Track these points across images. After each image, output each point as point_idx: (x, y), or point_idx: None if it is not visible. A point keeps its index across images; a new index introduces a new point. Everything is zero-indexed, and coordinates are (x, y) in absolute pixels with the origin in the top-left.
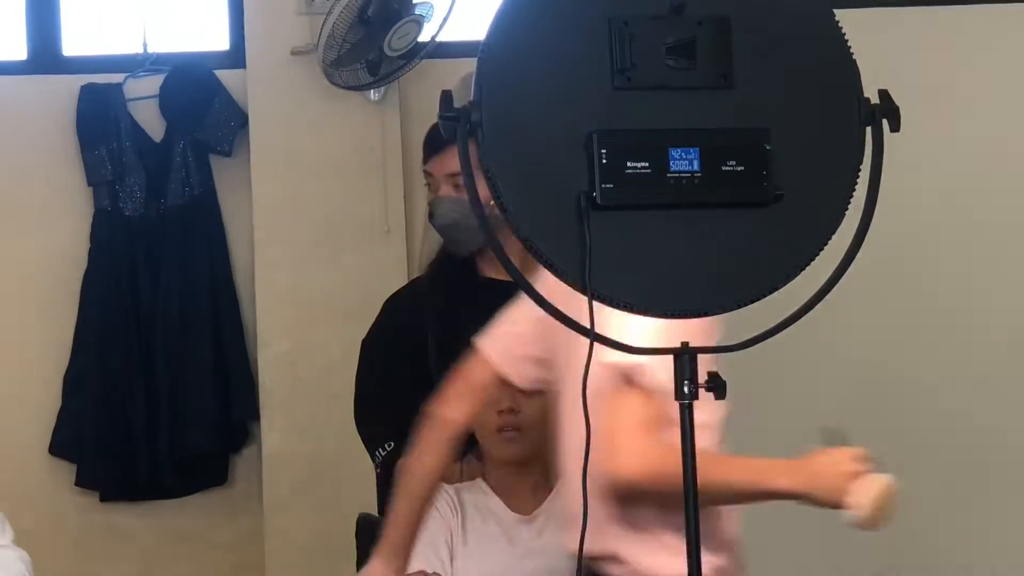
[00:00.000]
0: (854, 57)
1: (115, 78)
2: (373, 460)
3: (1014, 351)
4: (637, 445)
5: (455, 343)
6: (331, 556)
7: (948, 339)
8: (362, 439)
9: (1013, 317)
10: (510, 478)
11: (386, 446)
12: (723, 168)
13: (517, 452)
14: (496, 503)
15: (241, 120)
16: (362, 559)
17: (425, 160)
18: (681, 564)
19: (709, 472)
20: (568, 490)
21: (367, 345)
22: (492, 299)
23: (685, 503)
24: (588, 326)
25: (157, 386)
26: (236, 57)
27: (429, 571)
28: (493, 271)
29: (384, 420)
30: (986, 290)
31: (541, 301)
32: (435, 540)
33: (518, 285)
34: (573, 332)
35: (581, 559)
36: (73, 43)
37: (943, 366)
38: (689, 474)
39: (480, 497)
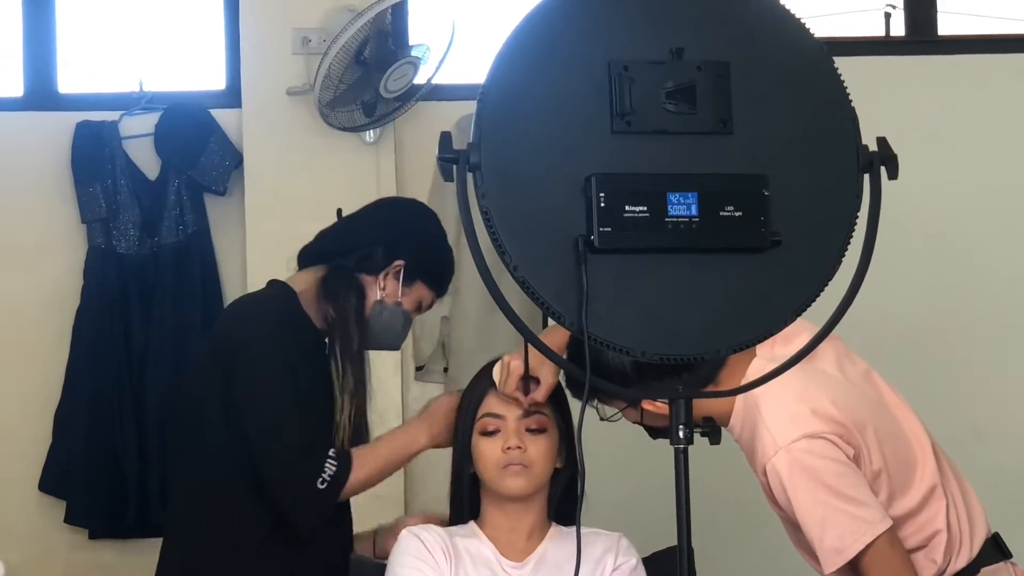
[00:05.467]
0: (852, 104)
1: (111, 116)
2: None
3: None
4: None
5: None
6: None
7: (947, 385)
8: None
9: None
10: (508, 522)
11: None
12: (721, 213)
13: (522, 487)
14: (489, 549)
15: (236, 160)
16: None
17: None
18: None
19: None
20: None
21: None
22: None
23: (679, 548)
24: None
25: (148, 424)
26: (232, 96)
27: None
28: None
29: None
30: (985, 336)
31: (544, 349)
32: None
33: (521, 334)
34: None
35: None
36: (69, 80)
37: (937, 412)
38: (683, 518)
39: (473, 543)
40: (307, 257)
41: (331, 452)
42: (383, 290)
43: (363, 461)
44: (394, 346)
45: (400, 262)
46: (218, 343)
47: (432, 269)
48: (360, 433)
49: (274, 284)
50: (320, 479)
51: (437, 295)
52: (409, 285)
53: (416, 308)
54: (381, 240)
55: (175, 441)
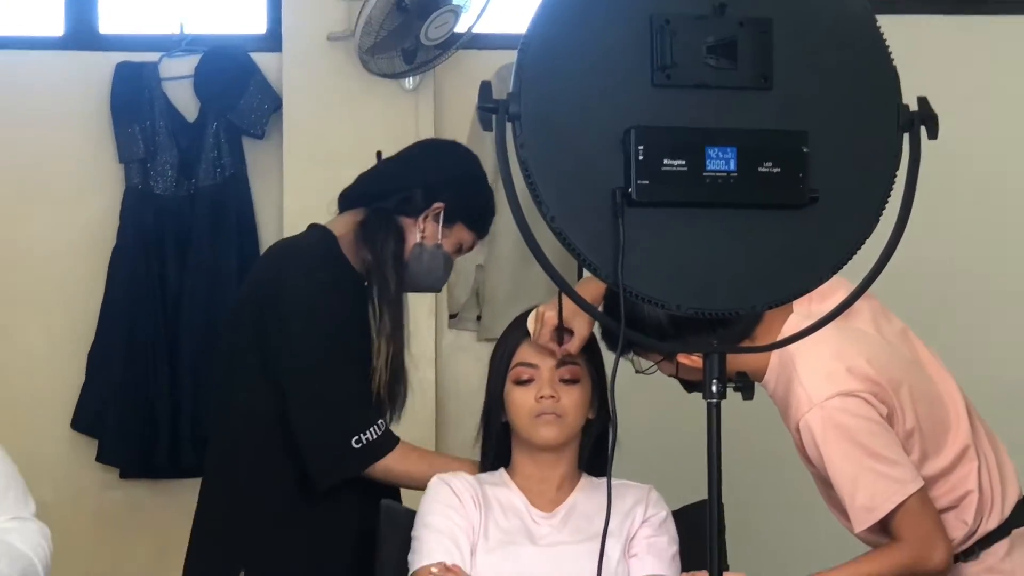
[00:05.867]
0: (894, 63)
1: (151, 57)
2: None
3: None
4: (945, 542)
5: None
6: None
7: (981, 346)
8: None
9: None
10: (538, 471)
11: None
12: (759, 169)
13: (555, 436)
14: (519, 498)
15: (275, 104)
16: (384, 546)
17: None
18: None
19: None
20: None
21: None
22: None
23: (709, 503)
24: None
25: (181, 365)
26: (272, 41)
27: (449, 563)
28: None
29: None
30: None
31: (579, 300)
32: (456, 534)
33: (557, 284)
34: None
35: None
36: (110, 21)
37: (971, 372)
38: (714, 473)
39: (503, 492)
40: (347, 200)
41: (381, 422)
42: (423, 232)
43: (407, 455)
44: (435, 288)
45: (440, 204)
46: (257, 288)
47: (473, 211)
48: (397, 377)
49: (314, 228)
50: (356, 438)
51: (478, 237)
52: (449, 227)
53: (456, 250)
54: (421, 182)
55: (213, 385)
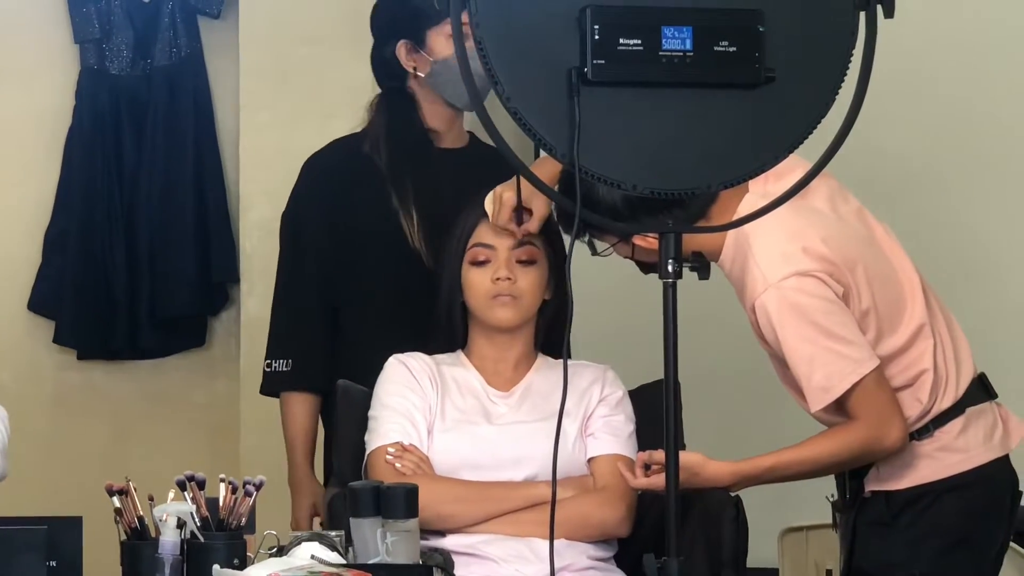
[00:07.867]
0: None
1: None
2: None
3: None
4: (900, 420)
5: (435, 215)
6: None
7: (937, 225)
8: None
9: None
10: (495, 352)
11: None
12: (715, 48)
13: (511, 317)
14: (476, 378)
15: None
16: (341, 427)
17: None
18: None
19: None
20: None
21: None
22: (448, 166)
23: (665, 382)
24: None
25: (138, 246)
26: None
27: (406, 443)
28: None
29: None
30: (977, 177)
31: (535, 181)
32: (413, 414)
33: (512, 166)
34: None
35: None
36: None
37: (927, 251)
38: (671, 352)
39: (460, 372)
40: None
41: (288, 361)
42: (418, 71)
43: (304, 408)
44: (469, 104)
45: (401, 42)
46: None
47: (413, 25)
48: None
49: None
50: (267, 362)
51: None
52: (421, 50)
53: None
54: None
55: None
